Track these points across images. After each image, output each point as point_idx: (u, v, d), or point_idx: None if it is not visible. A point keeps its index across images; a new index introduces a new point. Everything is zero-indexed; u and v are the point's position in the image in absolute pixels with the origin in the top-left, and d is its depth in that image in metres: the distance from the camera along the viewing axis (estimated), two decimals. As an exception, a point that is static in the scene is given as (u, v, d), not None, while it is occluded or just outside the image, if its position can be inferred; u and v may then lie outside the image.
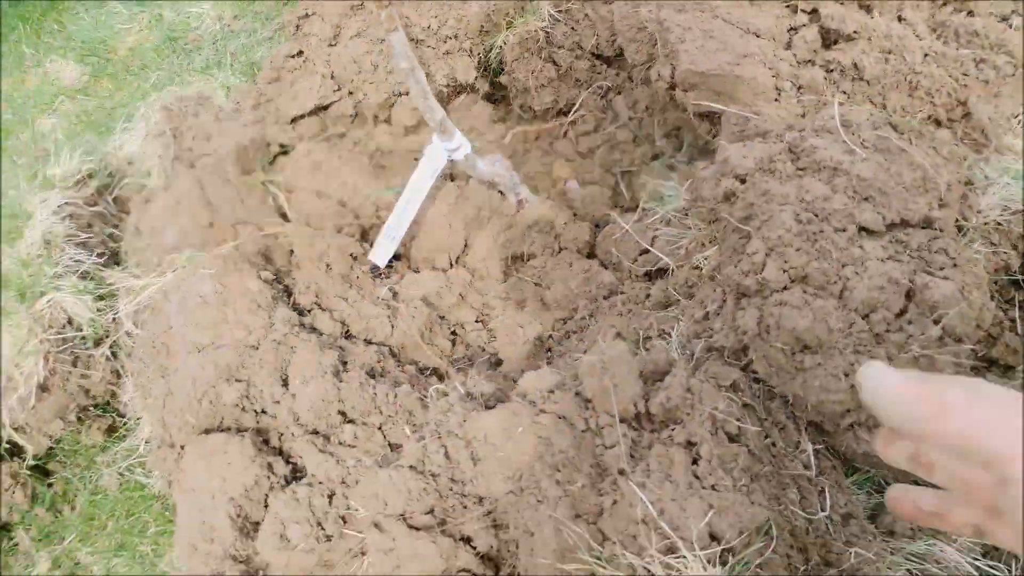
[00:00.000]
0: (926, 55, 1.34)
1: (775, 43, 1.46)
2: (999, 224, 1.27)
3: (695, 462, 1.04)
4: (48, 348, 1.55)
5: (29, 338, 1.52)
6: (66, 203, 1.67)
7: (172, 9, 2.96)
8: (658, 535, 0.97)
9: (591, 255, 1.69)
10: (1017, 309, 1.30)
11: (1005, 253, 1.27)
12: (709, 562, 0.96)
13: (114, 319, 1.65)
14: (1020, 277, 1.31)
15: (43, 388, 1.57)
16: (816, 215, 1.13)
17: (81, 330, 1.59)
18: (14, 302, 1.52)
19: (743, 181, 1.25)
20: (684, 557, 0.95)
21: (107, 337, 1.65)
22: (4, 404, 1.55)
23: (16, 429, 1.62)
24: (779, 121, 1.34)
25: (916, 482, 0.55)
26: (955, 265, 1.09)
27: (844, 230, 1.11)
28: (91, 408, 1.71)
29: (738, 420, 1.08)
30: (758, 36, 1.46)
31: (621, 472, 1.04)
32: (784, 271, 1.10)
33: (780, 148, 1.24)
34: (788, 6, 1.49)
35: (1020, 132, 1.33)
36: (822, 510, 1.11)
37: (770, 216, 1.15)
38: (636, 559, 0.95)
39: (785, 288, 1.10)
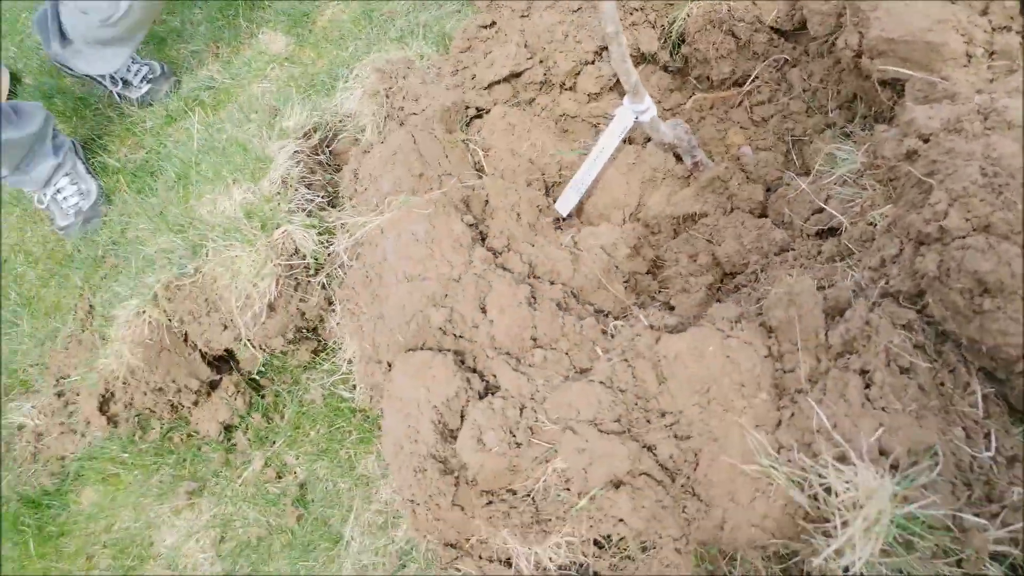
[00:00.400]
0: None
1: (971, 9, 1.50)
2: None
3: (868, 387, 1.13)
4: (279, 273, 1.80)
5: (266, 263, 1.78)
6: (297, 151, 1.92)
7: (368, -16, 3.22)
8: (831, 444, 1.08)
9: (763, 215, 1.78)
10: None
11: None
12: (878, 473, 1.06)
13: (330, 253, 1.89)
14: None
15: (271, 307, 1.82)
16: (1003, 170, 1.19)
17: (305, 259, 1.83)
18: (257, 230, 1.78)
19: (927, 140, 1.32)
20: (854, 465, 1.05)
21: (323, 267, 1.89)
22: (240, 319, 1.81)
23: (246, 343, 1.89)
24: (967, 86, 1.39)
25: None
26: None
27: (1030, 185, 1.17)
28: (304, 330, 1.96)
29: (910, 356, 1.17)
30: (953, 1, 1.50)
31: (800, 391, 1.15)
32: (967, 219, 1.17)
33: (969, 109, 1.30)
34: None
35: None
36: (987, 450, 1.18)
37: (955, 170, 1.22)
38: (810, 462, 1.06)
39: (968, 235, 1.17)
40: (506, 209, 1.82)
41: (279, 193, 1.82)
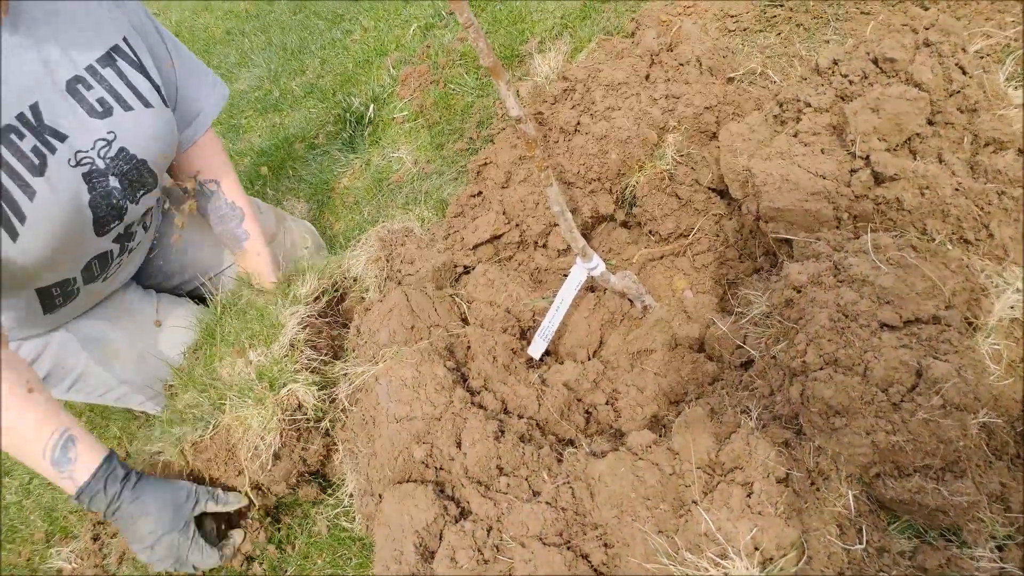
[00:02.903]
0: (956, 189, 1.69)
1: (837, 182, 1.85)
2: (1021, 321, 1.58)
3: (749, 495, 1.42)
4: (283, 427, 2.11)
5: (272, 418, 2.09)
6: (306, 316, 2.29)
7: (378, 156, 3.70)
8: (714, 544, 1.35)
9: (701, 350, 2.10)
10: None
11: (1025, 345, 1.57)
12: (748, 567, 1.33)
13: (332, 400, 2.20)
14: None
15: (276, 456, 2.10)
16: (846, 315, 1.51)
17: (306, 413, 2.14)
18: (266, 390, 2.11)
19: (799, 291, 1.65)
20: (732, 559, 1.33)
21: (325, 415, 2.19)
22: (247, 467, 2.11)
23: (256, 487, 2.18)
24: (828, 246, 1.73)
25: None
26: (956, 352, 1.42)
27: (868, 325, 1.48)
28: (306, 474, 2.25)
29: (786, 468, 1.45)
30: (824, 178, 1.86)
31: (694, 501, 1.44)
32: (820, 356, 1.49)
33: (827, 266, 1.64)
34: (849, 152, 1.89)
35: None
36: (859, 543, 1.44)
37: (812, 316, 1.54)
38: (696, 559, 1.34)
39: (820, 369, 1.48)
40: (484, 353, 2.16)
41: (287, 356, 2.15)
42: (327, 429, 2.17)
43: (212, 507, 2.02)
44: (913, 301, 1.48)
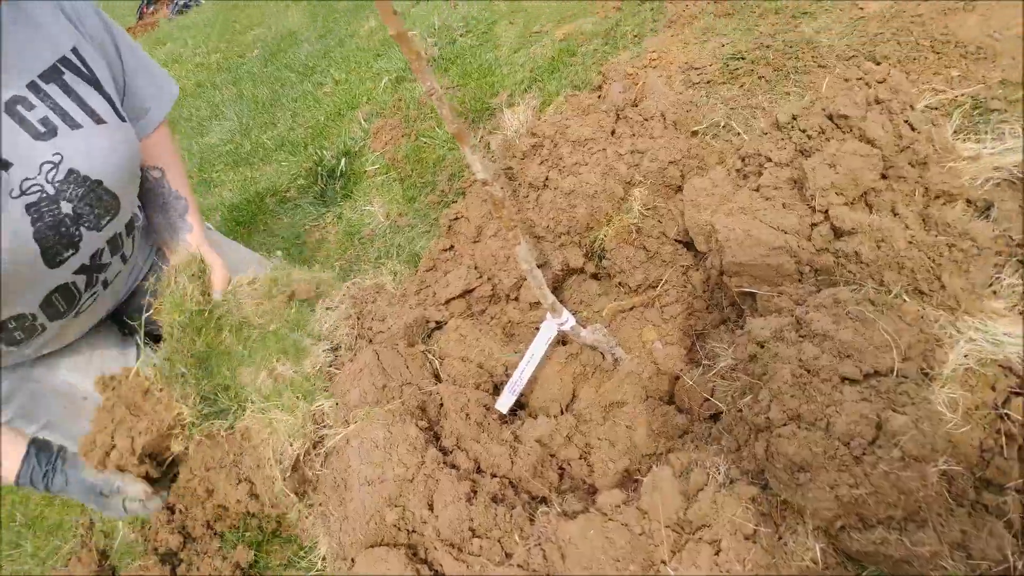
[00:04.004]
0: (909, 242, 1.74)
1: (799, 236, 1.90)
2: (974, 370, 1.62)
3: (717, 553, 1.43)
4: (313, 438, 2.09)
5: (305, 425, 2.06)
6: (325, 350, 2.29)
7: (350, 209, 3.73)
8: (685, 604, 1.36)
9: (671, 402, 2.12)
10: (1003, 436, 1.62)
11: (981, 393, 1.61)
12: (724, 626, 1.34)
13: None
14: (1002, 411, 1.63)
15: (294, 467, 2.07)
16: (808, 370, 1.54)
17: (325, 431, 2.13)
18: (299, 399, 2.09)
19: (762, 346, 1.68)
20: (702, 620, 1.33)
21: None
22: (274, 471, 2.09)
23: (253, 496, 2.15)
24: (793, 300, 1.77)
25: None
26: (913, 403, 1.45)
27: (829, 380, 1.51)
28: (280, 535, 2.25)
29: (753, 524, 1.47)
30: (785, 232, 1.91)
31: (663, 561, 1.45)
32: (783, 411, 1.51)
33: (789, 321, 1.67)
34: (810, 206, 1.94)
35: (991, 295, 1.69)
36: (828, 597, 1.46)
37: (775, 372, 1.57)
38: (668, 620, 1.35)
39: (784, 424, 1.51)
40: (457, 411, 2.17)
41: (316, 375, 2.17)
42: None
43: (118, 497, 2.01)
44: (872, 354, 1.52)
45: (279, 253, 3.66)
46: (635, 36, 3.36)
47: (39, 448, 1.97)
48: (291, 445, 2.06)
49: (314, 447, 2.14)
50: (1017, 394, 1.64)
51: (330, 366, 2.34)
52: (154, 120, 2.25)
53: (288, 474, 2.07)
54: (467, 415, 2.18)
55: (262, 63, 5.64)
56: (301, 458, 2.07)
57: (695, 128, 2.63)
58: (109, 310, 2.40)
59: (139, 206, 2.43)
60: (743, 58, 2.89)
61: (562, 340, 2.38)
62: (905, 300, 1.66)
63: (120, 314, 2.51)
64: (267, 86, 5.22)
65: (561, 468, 2.08)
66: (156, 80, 2.26)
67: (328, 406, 2.10)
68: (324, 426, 2.10)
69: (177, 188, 2.34)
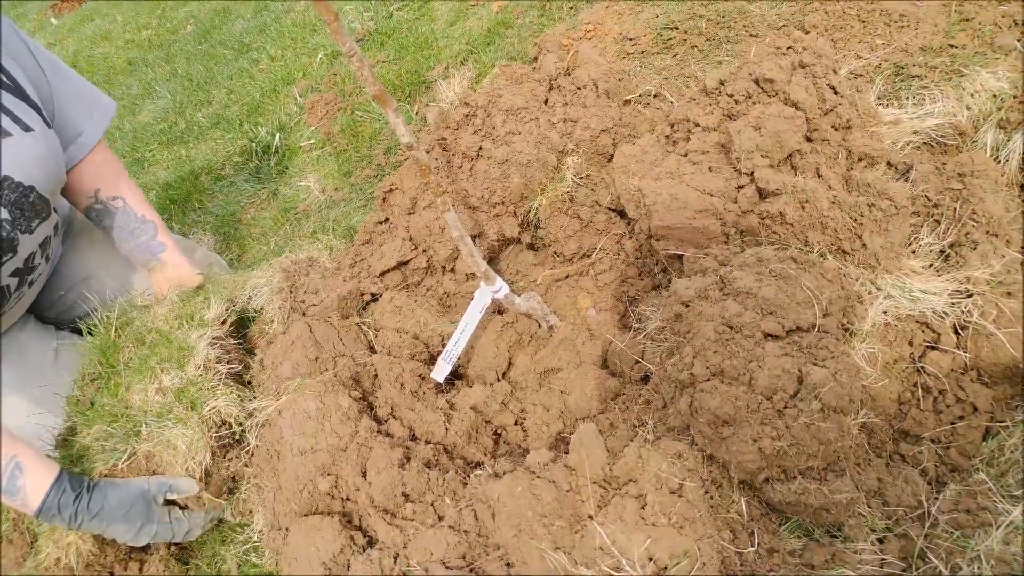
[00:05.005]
0: (832, 202, 1.77)
1: (724, 199, 1.92)
2: (892, 325, 1.66)
3: (643, 508, 1.44)
4: (212, 444, 2.06)
5: (199, 437, 2.02)
6: (215, 337, 2.24)
7: (285, 185, 3.66)
8: (609, 557, 1.37)
9: (604, 366, 2.13)
10: (919, 389, 1.66)
11: (899, 347, 1.65)
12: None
13: (250, 415, 2.15)
14: (919, 365, 1.68)
15: (208, 474, 2.04)
16: (731, 327, 1.56)
17: (231, 428, 2.09)
18: (188, 410, 2.05)
19: (687, 305, 1.70)
20: (627, 570, 1.34)
21: (247, 435, 2.15)
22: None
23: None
24: (718, 260, 1.79)
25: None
26: (833, 357, 1.48)
27: (752, 336, 1.54)
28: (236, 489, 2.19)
29: (679, 479, 1.48)
30: (711, 195, 1.93)
31: (590, 516, 1.46)
32: (706, 367, 1.53)
33: (713, 280, 1.69)
34: (736, 169, 1.96)
35: (909, 254, 1.73)
36: (751, 545, 1.48)
37: (699, 329, 1.59)
38: (592, 574, 1.36)
39: (708, 380, 1.52)
40: (391, 381, 2.15)
41: (202, 375, 2.11)
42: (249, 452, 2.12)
43: (170, 496, 1.98)
44: (794, 310, 1.54)
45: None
46: (571, 8, 3.35)
47: (71, 475, 1.91)
48: (193, 459, 2.02)
49: (237, 442, 2.11)
50: (933, 348, 1.69)
51: (260, 337, 2.31)
52: (87, 143, 2.24)
53: (205, 484, 2.03)
54: (401, 385, 2.16)
55: (196, 40, 5.49)
56: (209, 466, 2.04)
57: (627, 97, 2.64)
58: (25, 307, 2.39)
59: (63, 206, 2.44)
60: (676, 28, 2.90)
61: (498, 310, 2.37)
62: (827, 258, 1.69)
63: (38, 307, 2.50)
64: (201, 63, 5.08)
65: (496, 434, 2.08)
66: (87, 100, 2.25)
67: (223, 404, 2.06)
68: (229, 426, 2.07)
69: (142, 213, 2.37)
